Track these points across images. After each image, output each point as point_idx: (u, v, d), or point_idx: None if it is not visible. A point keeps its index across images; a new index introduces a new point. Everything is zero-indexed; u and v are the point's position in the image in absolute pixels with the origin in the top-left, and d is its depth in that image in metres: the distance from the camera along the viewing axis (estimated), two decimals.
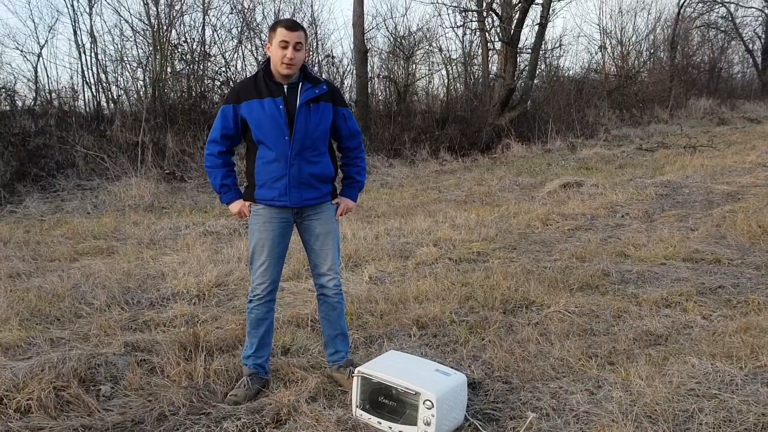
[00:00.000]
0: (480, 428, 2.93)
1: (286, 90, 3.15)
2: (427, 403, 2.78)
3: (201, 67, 12.64)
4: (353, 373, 3.09)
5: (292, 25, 3.10)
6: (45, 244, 6.49)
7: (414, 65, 16.52)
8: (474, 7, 16.84)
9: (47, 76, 16.00)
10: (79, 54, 12.14)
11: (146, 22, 12.31)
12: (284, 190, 3.19)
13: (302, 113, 3.14)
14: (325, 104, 3.22)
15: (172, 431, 2.90)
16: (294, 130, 3.12)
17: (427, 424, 2.78)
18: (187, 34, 12.64)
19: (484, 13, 16.00)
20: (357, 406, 3.02)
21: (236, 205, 3.30)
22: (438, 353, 3.78)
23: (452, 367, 3.34)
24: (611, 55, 22.53)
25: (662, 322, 4.31)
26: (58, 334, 4.02)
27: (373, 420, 2.94)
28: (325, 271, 3.35)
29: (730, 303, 4.75)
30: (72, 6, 16.24)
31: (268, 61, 3.19)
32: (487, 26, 16.41)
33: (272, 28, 3.15)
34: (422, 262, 5.66)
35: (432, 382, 2.88)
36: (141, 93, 12.25)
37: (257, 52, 13.47)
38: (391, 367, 3.04)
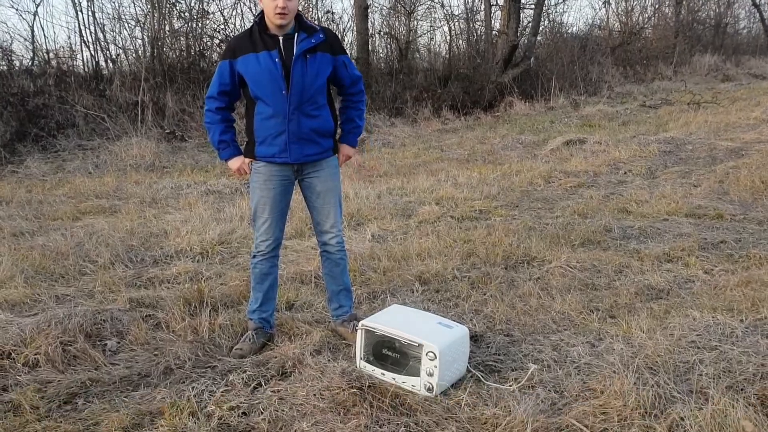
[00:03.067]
0: (482, 379, 2.97)
1: (281, 42, 3.08)
2: (430, 354, 2.81)
3: (199, 24, 12.47)
4: (357, 326, 3.12)
5: None
6: (47, 203, 6.50)
7: (415, 21, 16.28)
8: None
9: (44, 35, 15.81)
10: (76, 12, 11.95)
11: None
12: (284, 147, 3.15)
13: (298, 65, 3.07)
14: (323, 54, 3.13)
15: (179, 384, 2.93)
16: (291, 84, 3.06)
17: (430, 375, 2.81)
18: None
19: None
20: (361, 359, 3.05)
21: (235, 162, 3.27)
22: (440, 308, 3.81)
23: (454, 321, 3.37)
24: (615, 10, 22.16)
25: (664, 276, 4.33)
26: (63, 291, 4.06)
27: (376, 371, 2.98)
28: (327, 229, 3.35)
29: (731, 258, 4.76)
30: None
31: (262, 13, 3.10)
32: None
33: None
34: (424, 220, 5.66)
35: (434, 334, 2.90)
36: (140, 52, 12.10)
37: (255, 8, 13.25)
38: (394, 320, 3.06)
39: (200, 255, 4.79)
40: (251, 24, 3.18)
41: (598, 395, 2.80)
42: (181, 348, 3.22)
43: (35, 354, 3.09)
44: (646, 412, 2.65)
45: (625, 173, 7.60)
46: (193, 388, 2.87)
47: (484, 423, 2.61)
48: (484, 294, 3.98)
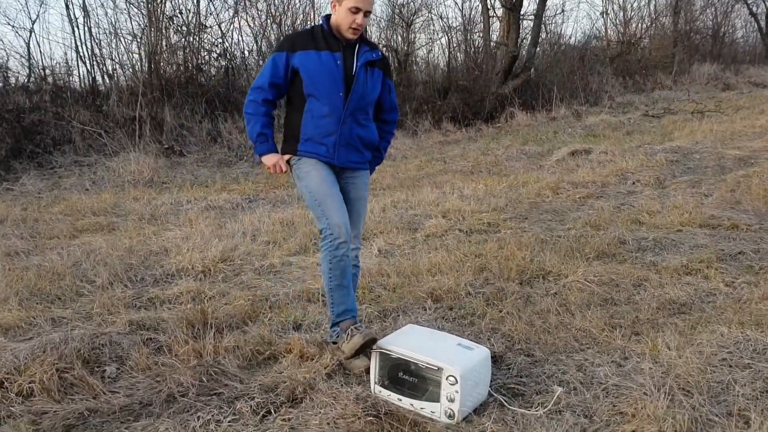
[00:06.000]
0: (506, 404, 2.79)
1: (343, 48, 3.08)
2: (451, 378, 2.63)
3: (197, 39, 12.34)
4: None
5: None
6: (43, 221, 6.32)
7: (413, 34, 16.19)
8: None
9: (40, 51, 15.69)
10: (72, 28, 11.80)
11: None
12: (332, 148, 3.09)
13: (361, 74, 3.09)
14: (379, 71, 3.18)
15: (183, 413, 2.75)
16: (352, 89, 3.05)
17: (451, 400, 2.64)
18: (182, 5, 12.31)
19: None
20: (376, 383, 2.87)
21: (272, 158, 3.13)
22: (455, 326, 3.64)
23: (472, 341, 3.20)
24: (613, 21, 22.14)
25: (684, 290, 4.17)
26: (60, 313, 3.88)
27: (393, 397, 2.81)
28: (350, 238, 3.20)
29: (752, 269, 4.60)
30: None
31: (328, 17, 3.11)
32: None
33: None
34: (432, 234, 5.50)
35: (455, 357, 2.73)
36: (137, 67, 11.96)
37: (254, 23, 13.15)
38: (411, 341, 2.89)
39: (202, 273, 4.62)
40: (312, 25, 3.23)
41: (630, 419, 2.63)
42: (184, 374, 3.04)
43: (30, 382, 2.91)
44: None
45: (634, 183, 7.45)
46: (198, 418, 2.69)
47: None
48: (500, 311, 3.81)
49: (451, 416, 2.65)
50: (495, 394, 2.86)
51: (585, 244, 5.09)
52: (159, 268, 4.73)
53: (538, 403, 2.79)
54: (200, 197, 7.39)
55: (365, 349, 2.93)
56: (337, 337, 3.11)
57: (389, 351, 2.83)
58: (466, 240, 5.28)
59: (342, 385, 2.93)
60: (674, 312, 3.86)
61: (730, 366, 3.08)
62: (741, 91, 16.97)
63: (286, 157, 3.15)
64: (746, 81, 18.89)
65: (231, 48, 12.70)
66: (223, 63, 12.36)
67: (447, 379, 2.64)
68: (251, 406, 2.78)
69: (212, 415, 2.70)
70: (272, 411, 2.75)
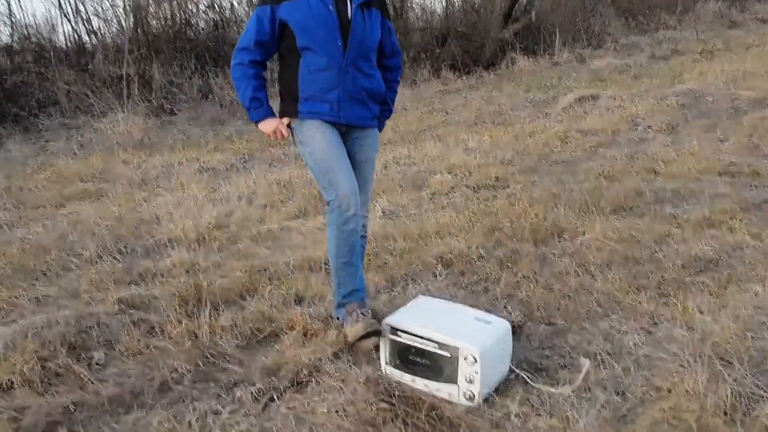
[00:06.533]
0: (529, 381, 2.56)
1: None
2: (470, 358, 2.39)
3: None
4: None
5: None
6: (29, 190, 6.02)
7: None
8: None
9: (22, 9, 15.09)
10: None
11: None
12: (336, 105, 2.77)
13: (357, 16, 2.74)
14: (376, 11, 2.84)
15: (178, 403, 2.52)
16: (350, 35, 2.71)
17: (470, 381, 2.40)
18: None
19: None
20: (386, 363, 2.63)
21: (271, 123, 2.81)
22: (468, 294, 3.39)
23: (486, 310, 2.96)
24: None
25: (709, 244, 3.90)
26: (45, 291, 3.62)
27: (406, 377, 2.57)
28: None
29: None
30: None
31: None
32: None
33: None
34: (438, 191, 5.21)
35: (473, 334, 2.49)
36: (122, 22, 11.46)
37: None
38: (424, 317, 2.64)
39: (196, 242, 4.35)
40: None
41: (666, 395, 2.40)
42: (178, 358, 2.80)
43: (9, 374, 2.67)
44: (727, 416, 2.25)
45: (646, 130, 7.12)
46: (194, 408, 2.45)
47: None
48: (516, 275, 3.55)
49: (470, 398, 2.42)
50: (516, 370, 2.62)
51: (600, 197, 4.81)
52: (150, 238, 4.46)
53: (565, 380, 2.56)
54: (192, 158, 7.08)
55: (369, 338, 2.66)
56: (344, 318, 2.85)
57: (401, 328, 2.58)
58: (474, 197, 4.99)
59: (350, 366, 2.69)
60: (701, 269, 3.61)
61: None
62: (748, 28, 16.40)
63: (286, 120, 2.84)
64: (753, 18, 18.26)
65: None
66: (212, 15, 11.86)
67: (465, 358, 2.40)
68: (252, 393, 2.55)
69: (209, 406, 2.47)
70: (275, 398, 2.52)
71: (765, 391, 2.38)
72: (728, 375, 2.47)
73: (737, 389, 2.38)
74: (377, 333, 2.64)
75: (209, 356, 2.84)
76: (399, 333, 2.59)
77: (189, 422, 2.35)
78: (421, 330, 2.56)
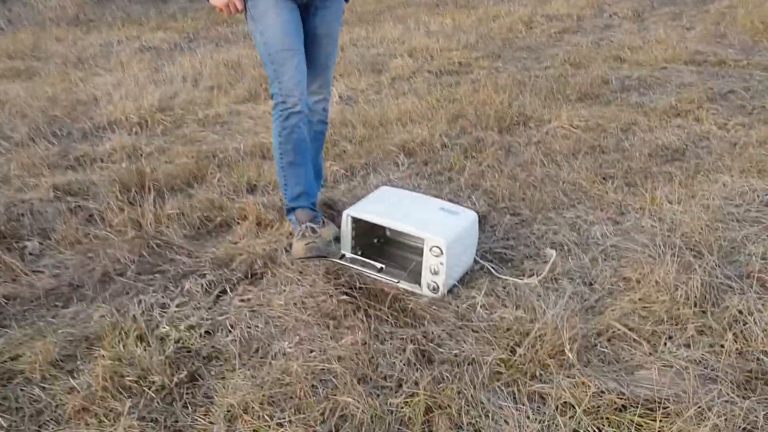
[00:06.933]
0: (495, 272, 2.46)
1: None
2: (435, 250, 2.25)
3: None
4: (321, 221, 2.56)
5: None
6: None
7: None
8: None
9: None
10: None
11: None
12: None
13: None
14: None
15: (120, 296, 2.34)
16: None
17: (435, 273, 2.28)
18: None
19: None
20: (348, 254, 2.48)
21: None
22: (432, 184, 3.23)
23: (450, 201, 2.82)
24: None
25: (676, 133, 3.82)
26: None
27: (368, 269, 2.43)
28: (315, 89, 2.63)
29: (744, 110, 4.27)
30: None
31: None
32: None
33: None
34: (398, 76, 4.94)
35: (439, 225, 2.34)
36: None
37: None
38: (387, 207, 2.47)
39: (138, 125, 4.03)
40: None
41: (635, 286, 2.34)
42: (120, 248, 2.59)
43: None
44: (697, 307, 2.20)
45: (611, 16, 6.88)
46: (139, 301, 2.28)
47: (507, 330, 2.12)
48: (480, 164, 3.40)
49: (434, 290, 2.30)
50: (481, 261, 2.52)
51: (565, 84, 4.64)
52: (88, 121, 4.11)
53: (531, 270, 2.47)
54: (133, 37, 6.54)
55: (313, 259, 2.48)
56: (294, 225, 2.64)
57: (363, 219, 2.42)
58: (436, 83, 4.74)
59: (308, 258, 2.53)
60: (668, 159, 3.53)
61: (738, 221, 2.78)
62: None
63: None
64: None
65: None
66: None
67: (431, 250, 2.26)
68: (202, 285, 2.38)
69: (156, 299, 2.29)
70: (228, 290, 2.36)
71: (734, 282, 2.34)
72: (698, 266, 2.41)
73: (707, 280, 2.33)
74: (324, 258, 2.47)
75: (155, 246, 2.64)
76: (360, 224, 2.43)
77: (133, 316, 2.18)
78: (385, 221, 2.40)
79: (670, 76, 4.93)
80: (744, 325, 2.10)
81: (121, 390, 1.86)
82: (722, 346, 2.01)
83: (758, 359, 1.96)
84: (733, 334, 2.05)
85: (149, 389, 1.87)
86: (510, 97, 4.28)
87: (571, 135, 3.77)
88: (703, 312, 2.17)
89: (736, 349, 1.99)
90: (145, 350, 2.01)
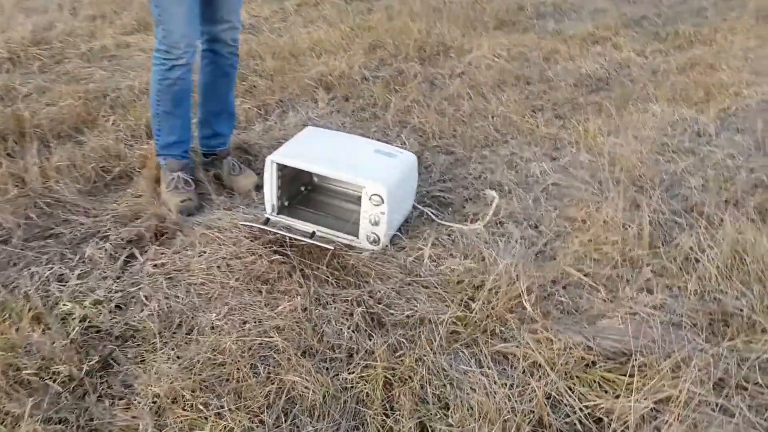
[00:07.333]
0: (435, 219, 2.27)
1: None
2: (375, 198, 2.03)
3: None
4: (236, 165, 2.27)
5: None
6: None
7: None
8: None
9: None
10: None
11: None
12: None
13: None
14: None
15: (7, 269, 1.97)
16: None
17: (375, 223, 2.06)
18: None
19: None
20: (274, 205, 2.21)
21: None
22: (357, 122, 2.96)
23: (380, 141, 2.58)
24: None
25: (597, 62, 3.76)
26: None
27: (298, 224, 2.17)
28: (223, 15, 2.26)
29: (659, 36, 4.26)
30: None
31: None
32: None
33: None
34: (304, 2, 4.54)
35: (376, 170, 2.11)
36: None
37: None
38: (317, 151, 2.20)
39: (9, 62, 3.46)
40: None
41: (583, 228, 2.22)
42: (2, 210, 2.19)
43: None
44: (650, 248, 2.11)
45: None
46: (32, 275, 1.92)
47: (459, 284, 1.95)
48: (405, 99, 3.16)
49: (375, 242, 2.09)
50: (421, 207, 2.32)
51: (482, 12, 4.44)
52: None
53: (475, 215, 2.30)
54: None
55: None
56: (164, 164, 2.36)
57: (290, 165, 2.14)
58: (346, 9, 4.40)
59: (230, 211, 2.24)
60: (593, 89, 3.45)
61: (673, 152, 2.73)
62: None
63: None
64: None
65: None
66: None
67: (371, 198, 2.03)
68: (106, 250, 2.04)
69: (52, 269, 1.94)
70: (136, 254, 2.04)
71: (680, 217, 2.27)
72: (644, 201, 2.32)
73: (655, 218, 2.25)
74: (192, 215, 2.22)
75: (44, 206, 2.25)
76: (286, 171, 2.16)
77: (25, 293, 1.83)
78: (316, 167, 2.14)
79: (584, 2, 4.84)
80: (697, 262, 2.03)
81: (18, 387, 1.55)
82: (680, 288, 1.94)
83: (716, 299, 1.90)
84: (688, 274, 1.98)
85: (54, 382, 1.57)
86: (428, 25, 4.02)
87: (495, 65, 3.59)
88: (656, 252, 2.08)
89: (695, 291, 1.91)
90: (44, 334, 1.69)
